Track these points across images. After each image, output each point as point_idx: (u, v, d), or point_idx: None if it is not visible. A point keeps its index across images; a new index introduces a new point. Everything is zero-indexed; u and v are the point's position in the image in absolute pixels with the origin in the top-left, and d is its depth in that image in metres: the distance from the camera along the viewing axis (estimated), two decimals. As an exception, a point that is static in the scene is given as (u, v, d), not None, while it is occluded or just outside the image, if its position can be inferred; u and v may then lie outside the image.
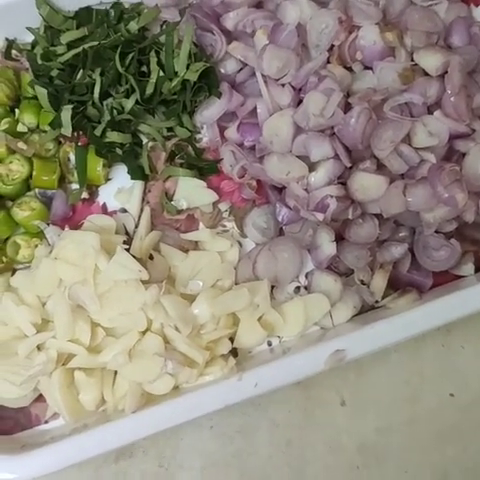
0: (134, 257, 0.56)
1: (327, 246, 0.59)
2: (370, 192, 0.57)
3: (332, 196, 0.56)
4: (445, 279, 0.61)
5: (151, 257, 0.59)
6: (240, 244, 0.61)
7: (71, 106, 0.59)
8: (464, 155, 0.59)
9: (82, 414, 0.56)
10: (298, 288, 0.60)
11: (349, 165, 0.57)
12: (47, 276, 0.57)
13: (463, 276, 0.61)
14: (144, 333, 0.56)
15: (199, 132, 0.63)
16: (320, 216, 0.57)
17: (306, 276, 0.61)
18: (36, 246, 0.59)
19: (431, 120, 0.58)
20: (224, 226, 0.62)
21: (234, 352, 0.58)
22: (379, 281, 0.59)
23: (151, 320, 0.56)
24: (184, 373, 0.55)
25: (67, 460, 0.54)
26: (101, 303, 0.55)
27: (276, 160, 0.59)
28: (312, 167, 0.58)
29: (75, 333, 0.56)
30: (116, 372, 0.56)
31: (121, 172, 0.62)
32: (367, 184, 0.57)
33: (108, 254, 0.56)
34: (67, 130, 0.60)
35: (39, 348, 0.56)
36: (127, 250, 0.57)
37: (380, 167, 0.58)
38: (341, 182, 0.58)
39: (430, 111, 0.59)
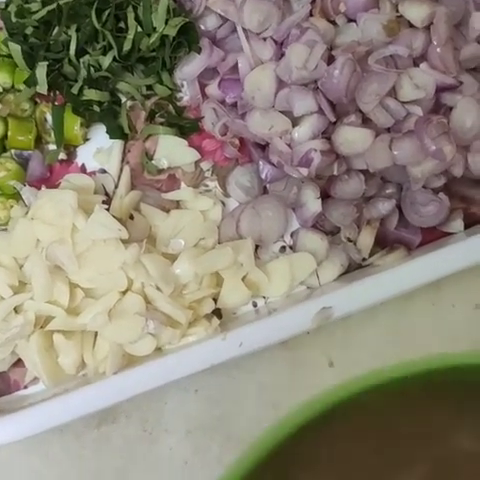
0: (114, 217, 0.55)
1: (312, 203, 0.57)
2: (355, 146, 0.55)
3: (316, 150, 0.54)
4: (434, 236, 0.59)
5: (131, 217, 0.58)
6: (223, 204, 0.60)
7: (46, 63, 0.57)
8: (451, 109, 0.57)
9: (62, 378, 0.54)
10: (283, 248, 0.59)
11: (334, 119, 0.56)
12: (24, 237, 0.55)
13: (452, 233, 0.59)
14: (124, 293, 0.54)
15: (180, 91, 0.62)
16: (304, 171, 0.55)
17: (291, 235, 0.59)
18: (12, 207, 0.58)
19: (417, 72, 0.56)
20: (206, 186, 0.60)
21: (218, 314, 0.57)
22: (366, 238, 0.57)
23: (132, 280, 0.54)
24: (166, 333, 0.53)
25: (46, 423, 0.52)
26: (80, 263, 0.54)
27: (258, 115, 0.57)
28: (296, 122, 0.56)
29: (53, 294, 0.54)
30: (96, 334, 0.55)
31: (100, 132, 0.60)
32: (352, 138, 0.55)
33: (86, 214, 0.55)
34: (43, 88, 0.58)
35: (16, 311, 0.55)
36: (106, 210, 0.55)
37: (365, 121, 0.56)
38: (326, 137, 0.56)
39: (416, 64, 0.57)
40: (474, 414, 0.36)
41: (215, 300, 0.56)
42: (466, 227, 0.59)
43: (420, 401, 0.36)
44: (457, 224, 0.58)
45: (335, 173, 0.56)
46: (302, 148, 0.55)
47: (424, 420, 0.37)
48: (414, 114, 0.56)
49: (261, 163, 0.58)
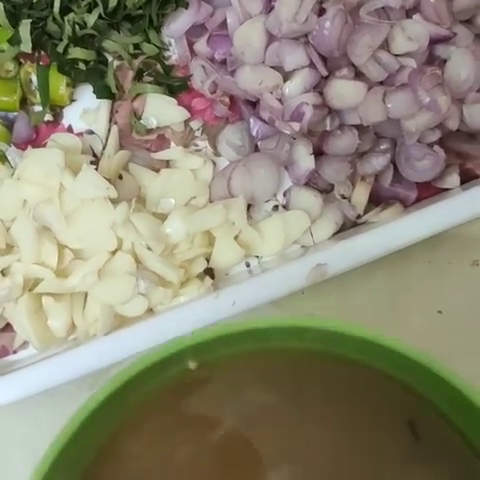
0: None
1: (305, 160, 0.56)
2: (348, 99, 0.54)
3: (308, 103, 0.53)
4: (429, 193, 0.58)
5: (120, 177, 0.56)
6: (214, 163, 0.58)
7: (30, 21, 0.56)
8: (445, 61, 0.56)
9: (52, 341, 0.53)
10: (276, 207, 0.58)
11: (325, 73, 0.55)
12: (10, 198, 0.54)
13: (448, 189, 0.58)
14: (114, 253, 0.53)
15: (168, 49, 0.60)
16: (296, 126, 0.54)
17: (284, 194, 0.58)
18: (-3, 169, 0.56)
19: (410, 24, 0.55)
20: (196, 145, 0.59)
21: (211, 274, 0.56)
22: (360, 194, 0.56)
23: (121, 240, 0.53)
24: (158, 293, 0.52)
25: (37, 387, 0.51)
26: (68, 223, 0.53)
27: (248, 71, 0.56)
28: (287, 77, 0.55)
29: (41, 256, 0.53)
30: (86, 296, 0.53)
31: (86, 92, 0.59)
32: (344, 91, 0.54)
33: (74, 174, 0.53)
34: (27, 46, 0.56)
35: (4, 274, 0.53)
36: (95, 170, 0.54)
37: (358, 75, 0.55)
38: (318, 92, 0.55)
39: (409, 15, 0.56)
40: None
41: (207, 260, 0.55)
42: (462, 183, 0.58)
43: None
44: (453, 179, 0.57)
45: (328, 128, 0.55)
46: (293, 102, 0.54)
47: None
48: (407, 67, 0.55)
49: (252, 120, 0.57)
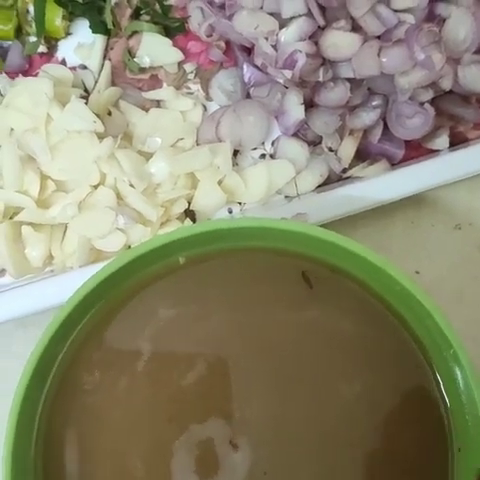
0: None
1: (295, 110, 0.55)
2: (342, 50, 0.54)
3: (301, 51, 0.53)
4: (418, 153, 0.57)
5: (109, 113, 0.56)
6: (205, 107, 0.58)
7: None
8: (445, 21, 0.55)
9: (29, 270, 0.53)
10: (263, 156, 0.57)
11: (322, 23, 0.54)
12: (-3, 125, 0.54)
13: (437, 151, 0.57)
14: (96, 188, 0.53)
15: (167, -11, 0.60)
16: (288, 73, 0.53)
17: (272, 144, 0.58)
18: (-13, 97, 0.56)
19: (412, -21, 0.55)
20: (189, 88, 0.58)
21: (192, 218, 0.56)
22: (348, 148, 0.56)
23: (104, 174, 0.53)
24: (136, 230, 0.52)
25: (9, 313, 0.51)
26: (53, 154, 0.53)
27: (246, 15, 0.55)
28: (283, 25, 0.55)
29: (24, 184, 0.53)
30: (66, 229, 0.54)
31: (82, 28, 0.59)
32: (340, 42, 0.54)
33: (63, 106, 0.53)
34: (25, -25, 0.56)
35: (-14, 201, 0.54)
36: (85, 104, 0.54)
37: (355, 29, 0.55)
38: (313, 42, 0.54)
39: (411, -29, 0.55)
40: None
41: (190, 204, 0.55)
42: (452, 146, 0.57)
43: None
44: (442, 141, 0.57)
45: (320, 79, 0.54)
46: (287, 50, 0.53)
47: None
48: (405, 23, 0.54)
49: (245, 66, 0.56)
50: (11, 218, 0.53)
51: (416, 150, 0.57)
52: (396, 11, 0.54)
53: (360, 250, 0.42)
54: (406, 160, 0.57)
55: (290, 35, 0.54)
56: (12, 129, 0.53)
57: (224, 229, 0.42)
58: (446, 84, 0.55)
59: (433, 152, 0.57)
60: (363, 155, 0.57)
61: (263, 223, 0.41)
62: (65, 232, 0.54)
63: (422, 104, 0.56)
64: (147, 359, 0.41)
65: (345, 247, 0.42)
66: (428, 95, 0.56)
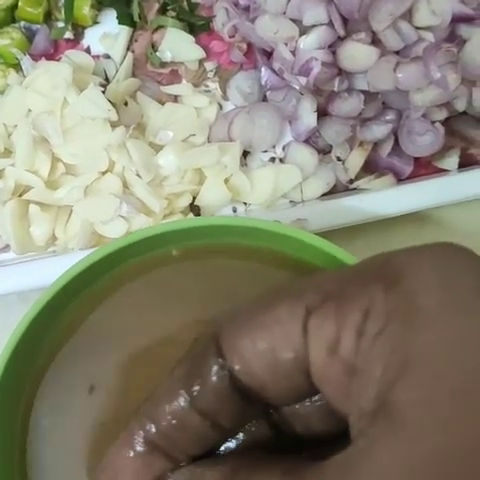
0: (108, 100, 0.54)
1: (308, 117, 0.56)
2: (359, 62, 0.54)
3: (317, 59, 0.53)
4: (427, 171, 0.58)
5: (126, 104, 0.57)
6: (221, 107, 0.59)
7: None
8: (465, 42, 0.55)
9: (31, 248, 0.55)
10: (273, 159, 0.58)
11: (343, 34, 0.55)
12: (15, 104, 0.55)
13: (446, 170, 0.57)
14: (104, 174, 0.54)
15: (195, -13, 0.61)
16: (303, 80, 0.54)
17: (283, 149, 0.58)
18: (10, 76, 0.58)
19: (436, -2, 0.55)
20: (207, 86, 0.59)
21: (197, 213, 0.57)
22: (356, 159, 0.56)
23: (113, 162, 0.54)
24: (139, 220, 0.53)
25: (11, 286, 0.52)
26: (65, 138, 0.54)
27: (268, 19, 0.56)
28: (304, 32, 0.55)
29: (35, 164, 0.54)
30: (71, 212, 0.55)
31: (110, 18, 0.60)
32: (358, 54, 0.54)
33: (80, 91, 0.54)
34: (58, -39, 0.58)
35: (-3, 177, 0.55)
36: (102, 92, 0.55)
37: (375, 43, 0.55)
38: (331, 51, 0.55)
39: (436, -10, 0.56)
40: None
41: (194, 199, 0.56)
42: (461, 168, 0.57)
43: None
44: (452, 161, 0.57)
45: (335, 89, 0.55)
46: (304, 56, 0.54)
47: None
48: (425, 41, 0.55)
49: (263, 69, 0.57)
50: (20, 196, 0.54)
51: (425, 168, 0.58)
52: (417, 28, 0.55)
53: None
54: (414, 177, 0.57)
55: (309, 43, 0.55)
56: (29, 110, 0.55)
57: (217, 225, 0.42)
58: (460, 105, 0.55)
59: (442, 171, 0.57)
60: (371, 168, 0.57)
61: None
62: (70, 215, 0.55)
63: (434, 122, 0.56)
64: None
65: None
66: (441, 114, 0.56)
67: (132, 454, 0.29)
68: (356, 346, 0.26)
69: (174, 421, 0.29)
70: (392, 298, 0.26)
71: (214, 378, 0.28)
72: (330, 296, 0.28)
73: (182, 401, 0.28)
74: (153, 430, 0.29)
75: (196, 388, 0.28)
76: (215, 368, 0.28)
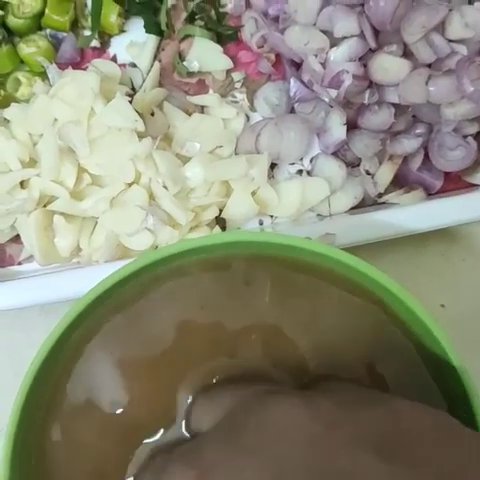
0: (134, 110, 0.54)
1: (337, 129, 0.55)
2: (391, 74, 0.53)
3: (348, 72, 0.53)
4: (457, 186, 0.57)
5: (152, 114, 0.57)
6: (248, 118, 0.58)
7: None
8: (499, 56, 0.54)
9: (55, 259, 0.54)
10: (301, 172, 0.57)
11: (374, 46, 0.54)
12: (41, 113, 0.54)
13: (476, 185, 0.56)
14: (130, 186, 0.53)
15: (223, -3, 0.60)
16: (333, 92, 0.53)
17: (311, 161, 0.57)
18: (36, 84, 0.57)
19: (469, 10, 0.54)
20: (234, 97, 0.59)
21: (223, 225, 0.56)
22: (385, 173, 0.55)
23: (140, 173, 0.53)
24: (165, 232, 0.52)
25: (30, 299, 0.52)
26: (92, 148, 0.53)
27: (298, 30, 0.55)
28: (334, 44, 0.54)
29: (60, 175, 0.53)
30: (96, 224, 0.54)
31: (137, 27, 0.59)
32: (389, 66, 0.53)
33: (107, 101, 0.54)
34: (86, -30, 0.57)
35: (23, 186, 0.55)
36: (129, 102, 0.54)
37: (406, 55, 0.54)
38: (362, 64, 0.54)
39: (470, 2, 0.55)
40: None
41: (221, 211, 0.55)
42: (492, 182, 0.57)
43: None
44: (483, 176, 0.56)
45: (365, 102, 0.54)
46: (335, 68, 0.53)
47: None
48: (458, 54, 0.54)
49: (292, 80, 0.56)
50: (45, 206, 0.54)
51: (455, 183, 0.57)
52: (450, 41, 0.54)
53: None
54: (444, 192, 0.57)
55: (340, 55, 0.54)
56: (56, 119, 0.54)
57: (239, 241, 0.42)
58: (492, 119, 0.54)
59: (473, 186, 0.56)
60: (400, 182, 0.56)
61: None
62: (95, 226, 0.54)
63: (466, 137, 0.55)
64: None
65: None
66: (473, 128, 0.55)
67: None
68: None
69: None
70: None
71: None
72: None
73: None
74: None
75: None
76: None
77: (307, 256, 0.42)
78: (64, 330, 0.40)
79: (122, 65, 0.59)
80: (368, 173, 0.56)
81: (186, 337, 0.41)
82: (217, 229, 0.54)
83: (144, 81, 0.58)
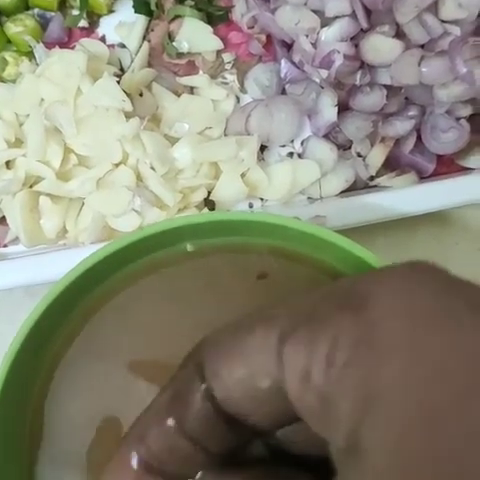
0: (122, 90, 0.53)
1: (328, 111, 0.54)
2: (383, 55, 0.52)
3: (339, 52, 0.52)
4: (449, 169, 0.56)
5: (141, 94, 0.56)
6: (238, 99, 0.57)
7: None
8: (493, 36, 0.54)
9: (41, 241, 0.53)
10: (291, 154, 0.56)
11: (366, 26, 0.53)
12: (28, 93, 0.53)
13: (469, 169, 0.56)
14: (117, 167, 0.52)
15: (214, -23, 0.59)
16: (324, 73, 0.52)
17: (302, 143, 0.57)
18: (23, 64, 0.56)
19: (463, -10, 0.53)
20: (224, 78, 0.58)
21: (211, 208, 0.55)
22: (377, 155, 0.54)
23: (127, 154, 0.52)
24: (152, 213, 0.52)
25: (19, 279, 0.51)
26: (78, 128, 0.52)
27: (289, 10, 0.54)
28: (326, 24, 0.54)
29: (46, 155, 0.52)
30: (83, 205, 0.53)
31: (126, 7, 0.58)
32: (381, 47, 0.52)
33: (94, 81, 0.53)
34: None
35: (8, 167, 0.54)
36: (117, 83, 0.53)
37: (399, 36, 0.53)
38: (353, 44, 0.53)
39: (464, -18, 0.54)
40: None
41: (210, 193, 0.54)
42: (486, 166, 0.56)
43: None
44: (476, 159, 0.55)
45: (357, 83, 0.53)
46: (326, 48, 0.52)
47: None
48: (451, 34, 0.53)
49: (283, 61, 0.56)
50: (31, 187, 0.53)
51: (448, 166, 0.56)
52: (443, 21, 0.53)
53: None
54: (436, 175, 0.56)
55: (331, 34, 0.53)
56: (42, 99, 0.53)
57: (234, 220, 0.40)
58: (486, 101, 0.53)
59: (465, 170, 0.56)
60: (392, 165, 0.56)
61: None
62: (81, 208, 0.53)
63: (459, 119, 0.54)
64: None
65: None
66: (466, 111, 0.54)
67: (127, 476, 0.29)
68: (326, 377, 0.25)
69: (163, 445, 0.29)
70: (358, 326, 0.25)
71: (199, 405, 0.28)
72: (302, 322, 0.26)
73: (169, 427, 0.28)
74: (145, 452, 0.29)
75: (182, 414, 0.28)
76: (200, 395, 0.28)
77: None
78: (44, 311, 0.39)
79: (111, 45, 0.58)
80: (359, 155, 0.55)
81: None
82: (206, 211, 0.53)
83: (133, 62, 0.57)
